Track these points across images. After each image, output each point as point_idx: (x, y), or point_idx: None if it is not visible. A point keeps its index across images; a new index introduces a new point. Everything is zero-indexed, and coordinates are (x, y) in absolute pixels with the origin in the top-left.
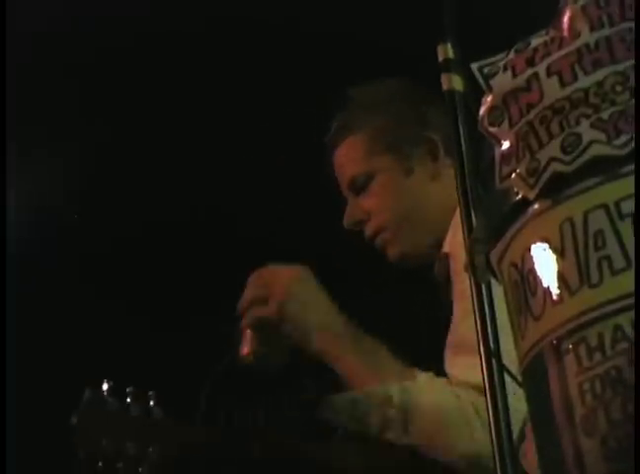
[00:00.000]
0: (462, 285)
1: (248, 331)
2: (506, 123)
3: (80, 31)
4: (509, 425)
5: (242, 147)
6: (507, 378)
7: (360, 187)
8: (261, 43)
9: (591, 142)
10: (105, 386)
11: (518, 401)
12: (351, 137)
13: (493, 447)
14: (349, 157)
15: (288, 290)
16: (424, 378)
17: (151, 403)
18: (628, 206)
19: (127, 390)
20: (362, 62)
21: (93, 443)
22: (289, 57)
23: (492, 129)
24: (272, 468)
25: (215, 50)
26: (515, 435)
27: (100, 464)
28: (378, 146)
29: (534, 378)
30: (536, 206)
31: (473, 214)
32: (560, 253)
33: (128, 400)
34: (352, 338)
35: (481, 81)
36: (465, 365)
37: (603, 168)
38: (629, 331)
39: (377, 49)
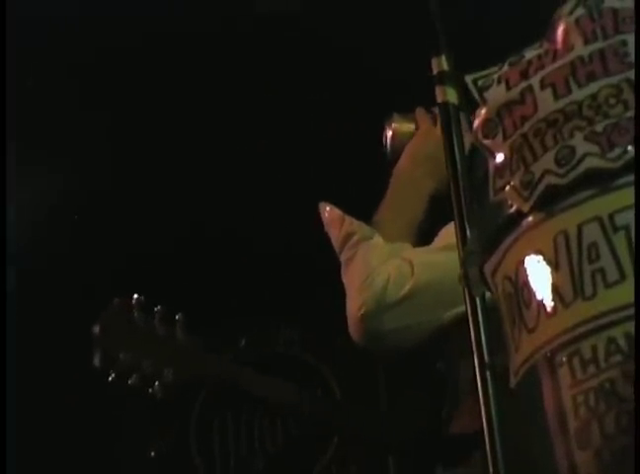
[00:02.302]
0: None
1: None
2: (500, 136)
3: (81, 31)
4: (502, 432)
5: (245, 148)
6: None
7: None
8: (256, 47)
9: (585, 155)
10: (134, 297)
11: None
12: None
13: (487, 452)
14: None
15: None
16: (399, 246)
17: (177, 327)
18: (622, 219)
19: (155, 309)
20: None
21: (110, 354)
22: (284, 63)
23: (486, 142)
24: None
25: (215, 52)
26: None
27: (112, 377)
28: None
29: (528, 391)
30: (530, 219)
31: (467, 227)
32: (554, 265)
33: (155, 318)
34: (414, 198)
35: (475, 93)
36: (420, 252)
37: (597, 180)
38: (623, 343)
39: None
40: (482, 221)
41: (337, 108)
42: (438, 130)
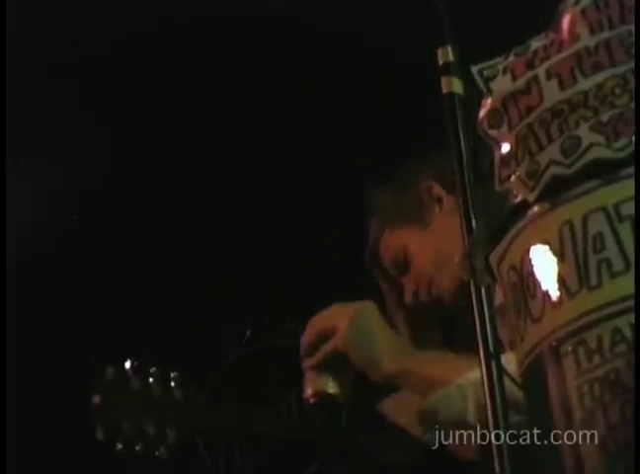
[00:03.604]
0: None
1: (311, 372)
2: (505, 126)
3: (80, 30)
4: (507, 424)
5: (244, 148)
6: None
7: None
8: (263, 44)
9: (590, 145)
10: (127, 364)
11: None
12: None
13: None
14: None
15: (353, 322)
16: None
17: (172, 384)
18: (627, 209)
19: (150, 370)
20: (357, 62)
21: (113, 424)
22: (288, 57)
23: (491, 132)
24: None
25: (216, 50)
26: None
27: (119, 446)
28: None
29: (533, 380)
30: (536, 209)
31: (473, 217)
32: (559, 255)
33: (150, 380)
34: (419, 353)
35: (481, 84)
36: None
37: (603, 171)
38: (628, 333)
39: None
40: (487, 211)
41: (336, 99)
42: (343, 321)
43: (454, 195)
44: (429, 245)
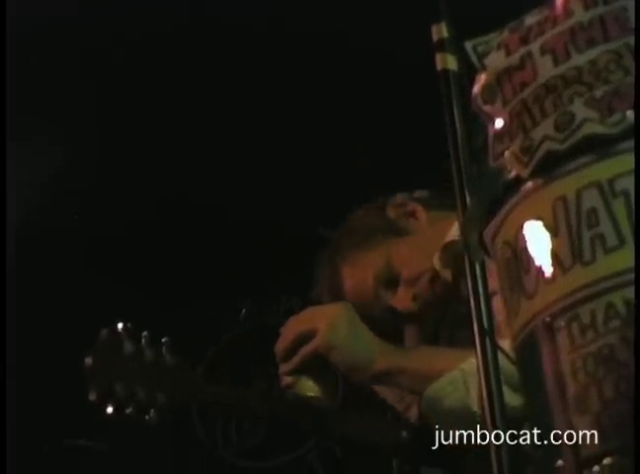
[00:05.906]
0: None
1: (289, 377)
2: (499, 102)
3: (79, 26)
4: (502, 401)
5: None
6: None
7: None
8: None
9: (584, 120)
10: (120, 326)
11: None
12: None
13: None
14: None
15: (332, 322)
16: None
17: (164, 350)
18: (621, 184)
19: (143, 334)
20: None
21: (106, 386)
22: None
23: (485, 108)
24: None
25: (214, 48)
26: None
27: (110, 409)
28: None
29: (527, 356)
30: (529, 185)
31: (467, 192)
32: (553, 231)
33: (143, 343)
34: (408, 350)
35: (475, 60)
36: None
37: (597, 146)
38: (622, 309)
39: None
40: (481, 187)
41: (333, 88)
42: (323, 321)
43: (427, 207)
44: (416, 247)
